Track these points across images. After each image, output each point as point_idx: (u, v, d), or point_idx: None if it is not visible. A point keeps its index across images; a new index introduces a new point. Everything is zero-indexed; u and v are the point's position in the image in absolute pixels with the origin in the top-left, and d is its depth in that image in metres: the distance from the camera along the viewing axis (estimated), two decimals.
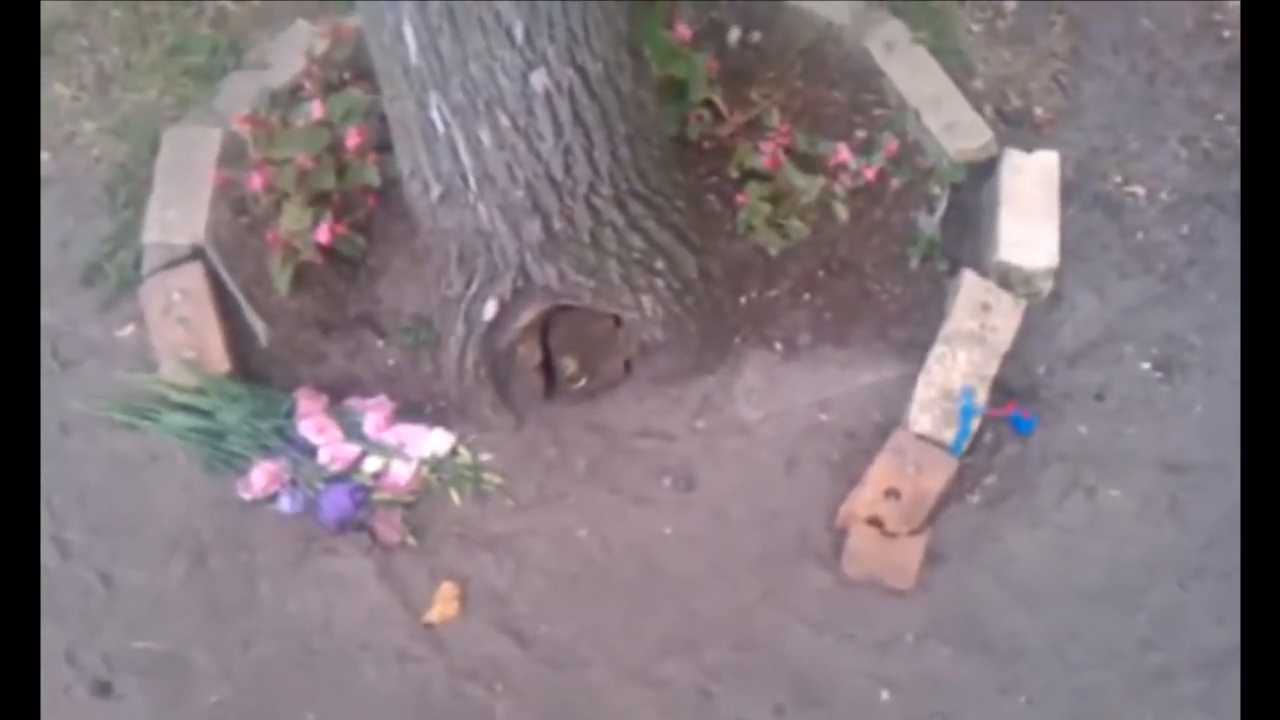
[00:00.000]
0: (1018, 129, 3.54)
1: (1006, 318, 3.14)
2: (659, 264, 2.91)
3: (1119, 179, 3.50)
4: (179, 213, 3.27)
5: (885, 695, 2.83)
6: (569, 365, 3.07)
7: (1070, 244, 3.28)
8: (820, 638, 2.89)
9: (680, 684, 2.85)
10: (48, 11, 3.81)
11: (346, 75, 3.37)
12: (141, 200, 3.36)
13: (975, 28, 3.75)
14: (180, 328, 3.14)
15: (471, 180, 2.70)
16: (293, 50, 3.49)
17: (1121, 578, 2.94)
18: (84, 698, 2.83)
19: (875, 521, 2.91)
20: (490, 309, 2.87)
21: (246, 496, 3.02)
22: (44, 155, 3.59)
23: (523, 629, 2.91)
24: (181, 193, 3.30)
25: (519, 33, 2.44)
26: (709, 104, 3.31)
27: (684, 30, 3.26)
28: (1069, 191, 3.38)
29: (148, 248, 3.28)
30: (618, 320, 2.99)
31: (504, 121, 2.57)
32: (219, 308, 3.19)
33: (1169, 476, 3.05)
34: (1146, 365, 3.22)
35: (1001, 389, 3.11)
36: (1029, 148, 3.37)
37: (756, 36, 3.58)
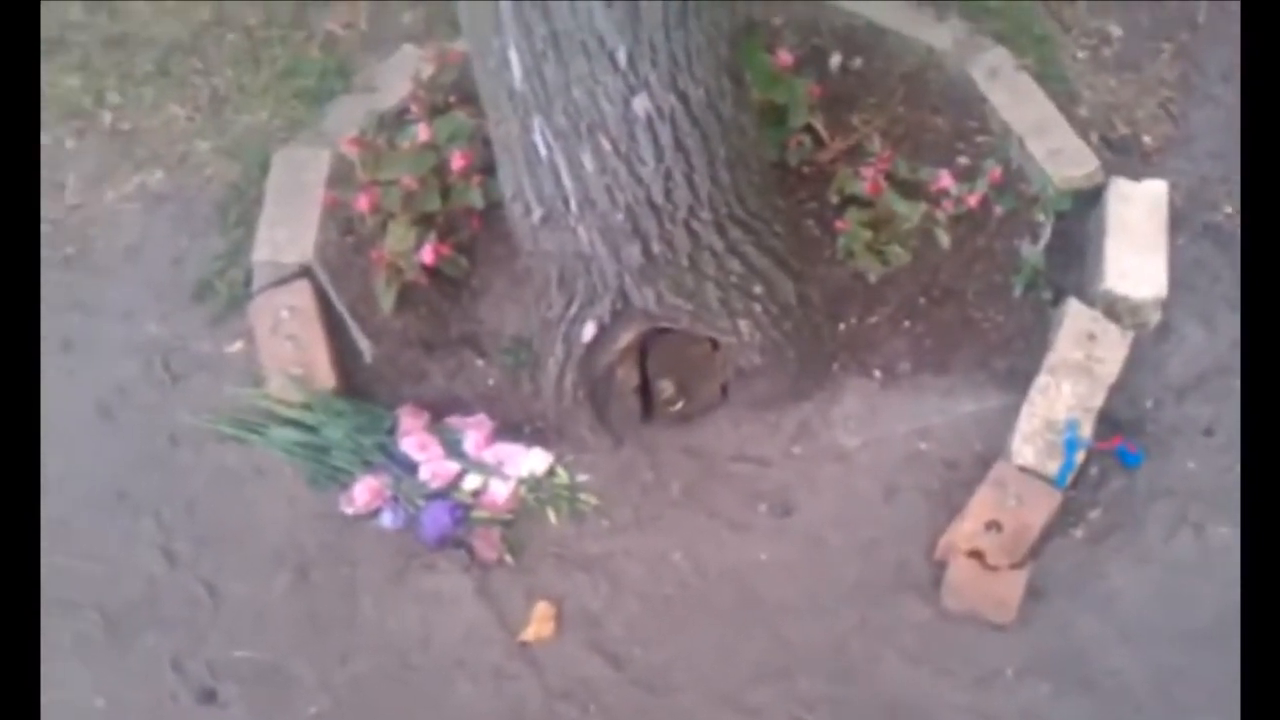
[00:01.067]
0: (1125, 157, 3.48)
1: (1113, 349, 3.08)
2: (757, 289, 2.92)
3: (1229, 209, 3.43)
4: (288, 232, 3.35)
5: None
6: (666, 388, 3.08)
7: (1179, 275, 3.22)
8: (917, 670, 2.85)
9: (773, 712, 2.82)
10: (165, 35, 3.98)
11: (452, 98, 3.42)
12: (252, 219, 3.45)
13: (1080, 55, 3.71)
14: (288, 344, 3.21)
15: (573, 203, 2.73)
16: (400, 74, 3.57)
17: (1230, 617, 2.83)
18: (189, 705, 2.88)
19: (976, 554, 2.86)
20: (589, 331, 2.89)
21: (349, 511, 3.07)
22: (159, 174, 3.72)
23: (616, 651, 2.91)
24: (291, 212, 3.38)
25: (622, 58, 2.47)
26: (809, 129, 3.32)
27: (785, 56, 3.28)
28: (1178, 221, 3.32)
29: (257, 265, 3.36)
30: (715, 344, 3.00)
31: (606, 146, 2.60)
32: (326, 325, 3.26)
33: None
34: None
35: (1107, 421, 3.05)
36: (1136, 176, 3.32)
37: (858, 62, 3.58)
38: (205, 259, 3.52)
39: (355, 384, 3.26)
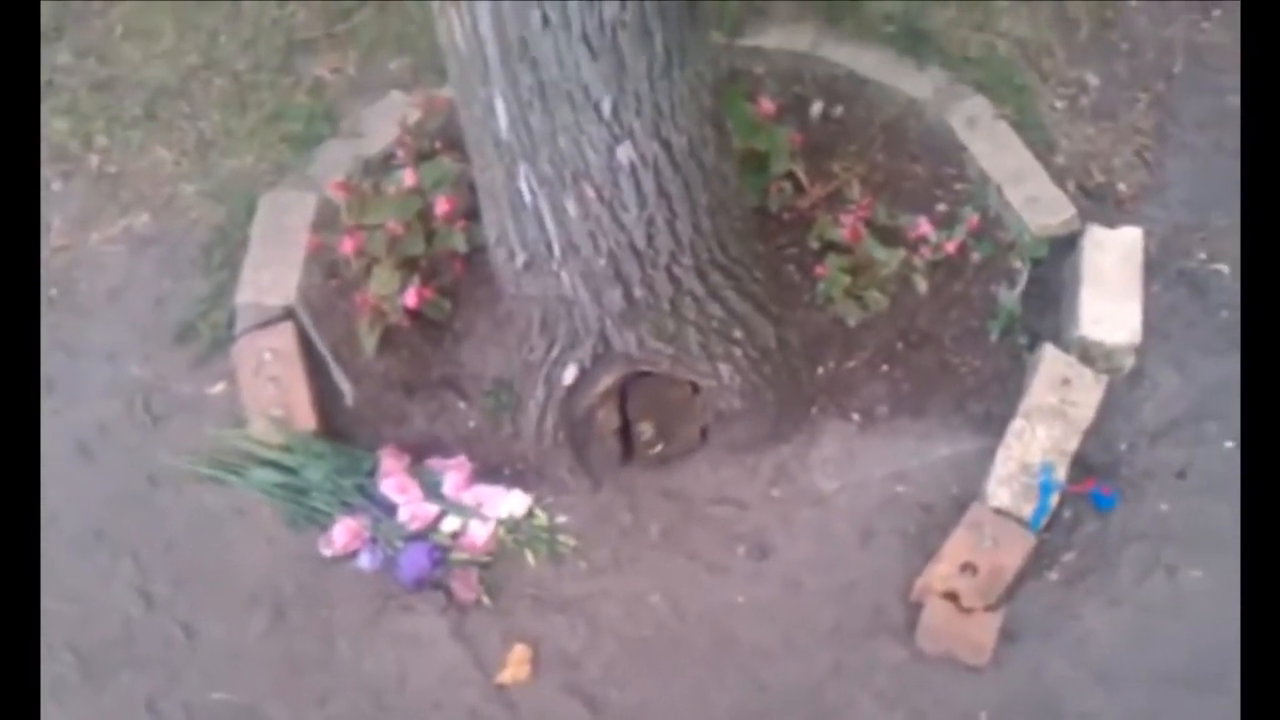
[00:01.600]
0: (1100, 205, 3.53)
1: (1087, 393, 3.11)
2: (737, 333, 2.95)
3: (1203, 256, 3.46)
4: (272, 275, 3.37)
5: None
6: (646, 431, 3.10)
7: (1154, 321, 3.25)
8: (892, 713, 2.85)
9: None
10: (153, 79, 4.01)
11: (438, 144, 3.46)
12: (236, 262, 3.47)
13: (1058, 104, 3.76)
14: (270, 386, 3.22)
15: (556, 249, 2.76)
16: (387, 120, 3.60)
17: (1203, 660, 2.86)
18: None
19: (951, 596, 2.88)
20: (570, 374, 2.92)
21: (327, 553, 3.07)
22: (144, 216, 3.74)
23: (593, 693, 2.90)
24: (275, 255, 3.41)
25: (607, 108, 2.50)
26: (790, 176, 3.36)
27: (767, 104, 3.33)
28: (1153, 268, 3.35)
29: (241, 308, 3.37)
30: (695, 387, 3.02)
31: (589, 193, 2.63)
32: (307, 367, 3.27)
33: None
34: (1230, 444, 3.15)
35: (1081, 465, 3.07)
36: (1112, 224, 3.36)
37: (839, 111, 3.63)
38: (189, 301, 3.54)
39: (336, 426, 3.27)
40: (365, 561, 3.05)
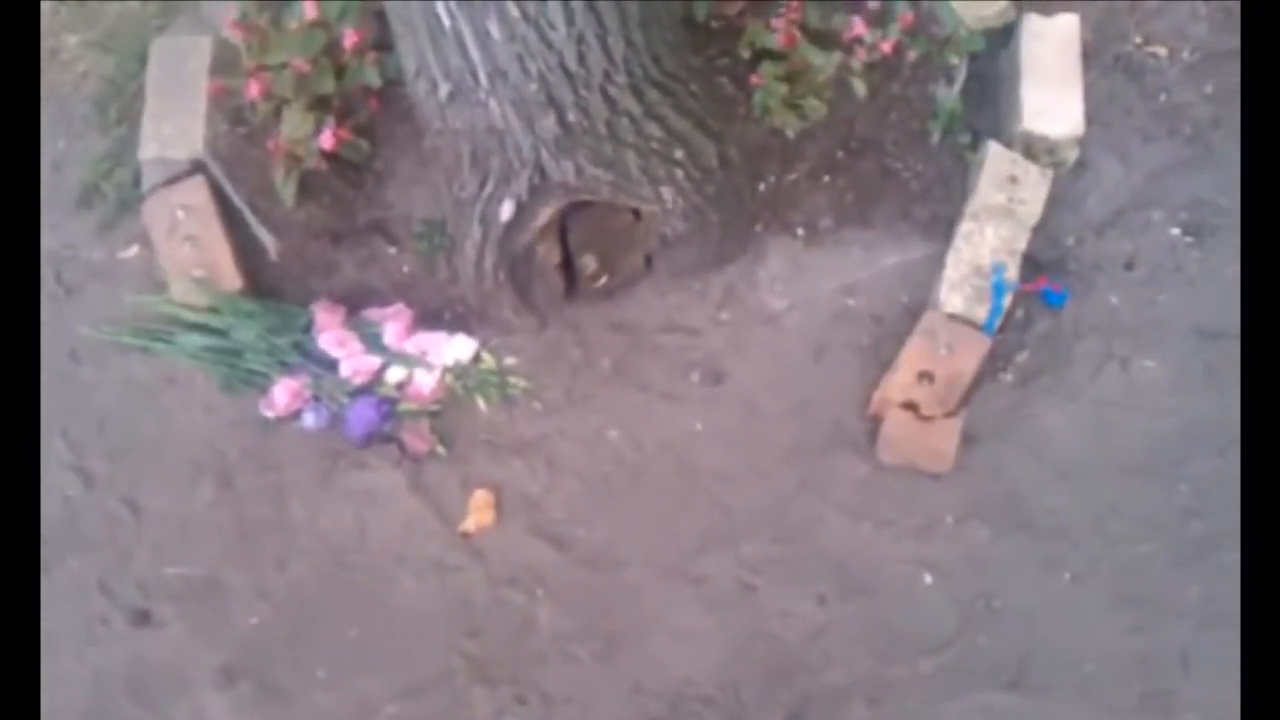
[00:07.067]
0: None
1: (1034, 189, 3.05)
2: (678, 153, 2.82)
3: (1139, 39, 3.38)
4: (174, 126, 3.14)
5: (928, 579, 2.82)
6: (589, 263, 2.99)
7: (1092, 109, 3.17)
8: (859, 526, 2.87)
9: (721, 579, 2.83)
10: None
11: None
12: (134, 115, 3.23)
13: None
14: (187, 245, 3.04)
15: (482, 76, 2.59)
16: None
17: (1160, 448, 2.90)
18: (124, 628, 2.81)
19: (910, 406, 2.86)
20: (507, 209, 2.78)
21: (269, 415, 2.96)
22: None
23: (559, 533, 2.88)
24: (175, 105, 3.16)
25: None
26: None
27: None
28: (1088, 55, 3.25)
29: (145, 164, 3.15)
30: (637, 214, 2.91)
31: (513, 12, 2.45)
32: (225, 223, 3.09)
33: (1204, 343, 3.00)
34: (1176, 230, 3.14)
35: (1030, 263, 3.03)
36: (1047, 11, 3.25)
37: None
38: (87, 161, 3.32)
39: (263, 282, 3.12)
40: (310, 421, 2.95)
